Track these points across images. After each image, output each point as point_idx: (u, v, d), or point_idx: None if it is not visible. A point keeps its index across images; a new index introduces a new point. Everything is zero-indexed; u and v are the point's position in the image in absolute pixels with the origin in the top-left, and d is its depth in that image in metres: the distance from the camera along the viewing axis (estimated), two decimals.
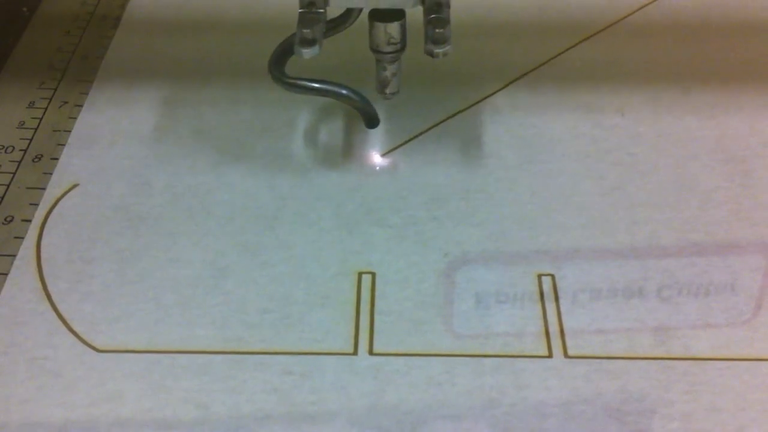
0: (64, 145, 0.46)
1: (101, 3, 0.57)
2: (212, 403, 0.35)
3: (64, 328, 0.38)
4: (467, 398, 0.35)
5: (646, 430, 0.34)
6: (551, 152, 0.46)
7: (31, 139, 0.47)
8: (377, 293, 0.39)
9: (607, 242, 0.41)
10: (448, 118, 0.48)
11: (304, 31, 0.39)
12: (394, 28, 0.41)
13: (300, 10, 0.40)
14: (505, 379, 0.36)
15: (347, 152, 0.46)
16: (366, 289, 0.39)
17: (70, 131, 0.47)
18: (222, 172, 0.45)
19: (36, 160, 0.46)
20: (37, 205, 0.43)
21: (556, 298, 0.39)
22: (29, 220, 0.42)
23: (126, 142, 0.46)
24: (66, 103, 0.49)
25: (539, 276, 0.40)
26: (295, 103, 0.48)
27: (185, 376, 0.36)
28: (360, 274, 0.40)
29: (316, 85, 0.43)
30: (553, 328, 0.38)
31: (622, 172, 0.45)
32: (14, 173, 0.45)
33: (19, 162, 0.45)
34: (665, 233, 0.42)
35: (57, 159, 0.46)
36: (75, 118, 0.48)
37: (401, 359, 0.37)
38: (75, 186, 0.44)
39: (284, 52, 0.42)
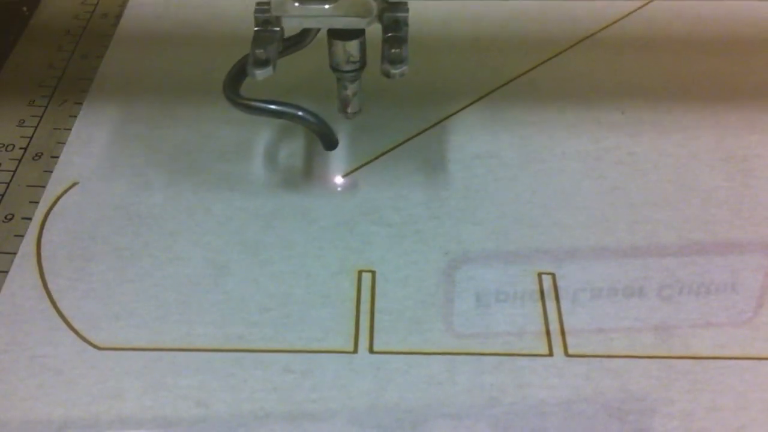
0: (64, 143, 0.46)
1: (101, 2, 0.57)
2: (212, 401, 0.35)
3: (64, 325, 0.38)
4: (467, 397, 0.35)
5: (647, 428, 0.34)
6: (551, 151, 0.46)
7: (31, 137, 0.47)
8: (377, 292, 0.39)
9: (608, 241, 0.41)
10: (449, 116, 0.48)
11: (257, 51, 0.38)
12: (353, 46, 0.40)
13: (255, 29, 0.39)
14: (505, 378, 0.36)
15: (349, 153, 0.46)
16: (366, 287, 0.39)
17: (70, 129, 0.47)
18: (222, 170, 0.45)
19: (36, 158, 0.46)
20: (37, 203, 0.43)
21: (557, 297, 0.39)
22: (29, 218, 0.42)
23: (126, 140, 0.46)
24: (66, 101, 0.49)
25: (539, 275, 0.40)
26: None
27: (185, 374, 0.36)
28: (360, 273, 0.40)
29: (272, 107, 0.42)
30: (554, 326, 0.38)
31: (623, 171, 0.45)
32: (14, 171, 0.45)
33: (20, 160, 0.45)
34: (666, 232, 0.42)
35: (57, 157, 0.46)
36: (75, 116, 0.48)
37: (401, 358, 0.37)
38: (75, 184, 0.44)
39: (240, 72, 0.41)
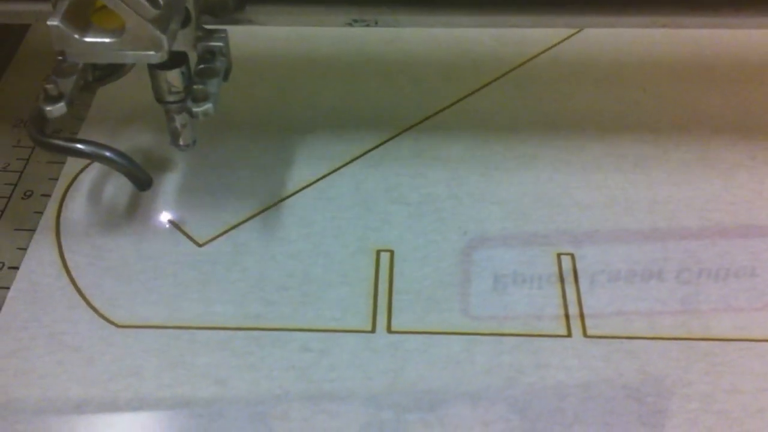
0: (83, 120, 0.46)
1: None
2: (230, 379, 0.35)
3: (83, 303, 0.38)
4: (486, 377, 0.35)
5: (665, 410, 0.34)
6: (572, 129, 0.46)
7: None
8: (395, 271, 0.39)
9: (628, 221, 0.41)
10: (473, 92, 0.48)
11: (48, 86, 0.36)
12: (173, 76, 0.37)
13: (57, 58, 0.37)
14: (523, 359, 0.36)
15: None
16: (384, 266, 0.39)
17: (89, 105, 0.47)
18: (241, 148, 0.45)
19: (55, 133, 0.45)
20: (56, 179, 0.43)
21: (576, 278, 0.39)
22: (48, 195, 0.42)
23: (144, 116, 0.46)
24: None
25: (559, 255, 0.39)
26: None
27: (204, 352, 0.36)
28: (378, 252, 0.40)
29: (78, 146, 0.39)
30: (573, 307, 0.38)
31: (644, 148, 0.44)
32: (33, 148, 0.45)
33: None
34: (686, 213, 0.41)
35: (76, 134, 0.46)
36: (94, 93, 0.48)
37: (419, 337, 0.37)
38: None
39: None
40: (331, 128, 0.46)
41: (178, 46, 0.37)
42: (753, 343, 0.36)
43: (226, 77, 0.39)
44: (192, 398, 0.35)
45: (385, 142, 0.45)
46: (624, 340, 0.36)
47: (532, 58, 0.50)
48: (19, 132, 0.46)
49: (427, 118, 0.46)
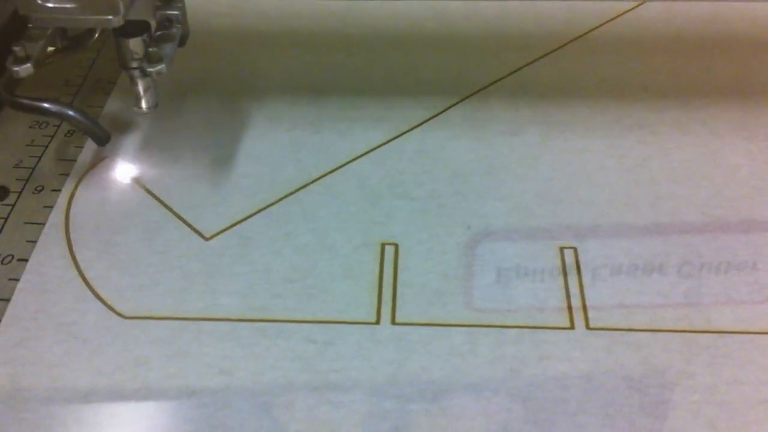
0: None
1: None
2: (236, 369, 0.35)
3: (91, 294, 0.38)
4: (488, 368, 0.35)
5: (668, 401, 0.34)
6: (574, 128, 0.46)
7: None
8: (400, 264, 0.39)
9: (630, 217, 0.41)
10: (476, 92, 0.48)
11: (15, 48, 0.38)
12: (136, 44, 0.40)
13: (29, 25, 0.40)
14: (526, 350, 0.36)
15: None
16: (389, 260, 0.40)
17: (102, 107, 0.48)
18: (247, 145, 0.45)
19: (68, 135, 0.46)
20: (67, 175, 0.44)
21: (578, 271, 0.39)
22: (59, 190, 0.43)
23: (154, 116, 0.47)
24: (100, 80, 0.50)
25: (561, 249, 0.40)
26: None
27: (210, 343, 0.36)
28: (383, 245, 0.40)
29: (44, 105, 0.41)
30: (575, 299, 0.38)
31: (646, 147, 0.45)
32: (46, 146, 0.46)
33: (52, 136, 0.46)
34: (688, 209, 0.42)
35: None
36: (108, 95, 0.49)
37: (423, 329, 0.37)
38: (104, 158, 0.45)
39: None
40: (337, 126, 0.47)
41: (138, 15, 0.40)
42: (754, 335, 0.36)
43: (182, 43, 0.43)
44: (198, 388, 0.35)
45: (390, 140, 0.46)
46: (626, 332, 0.37)
47: (534, 61, 0.51)
48: (34, 133, 0.46)
49: (431, 117, 0.47)
